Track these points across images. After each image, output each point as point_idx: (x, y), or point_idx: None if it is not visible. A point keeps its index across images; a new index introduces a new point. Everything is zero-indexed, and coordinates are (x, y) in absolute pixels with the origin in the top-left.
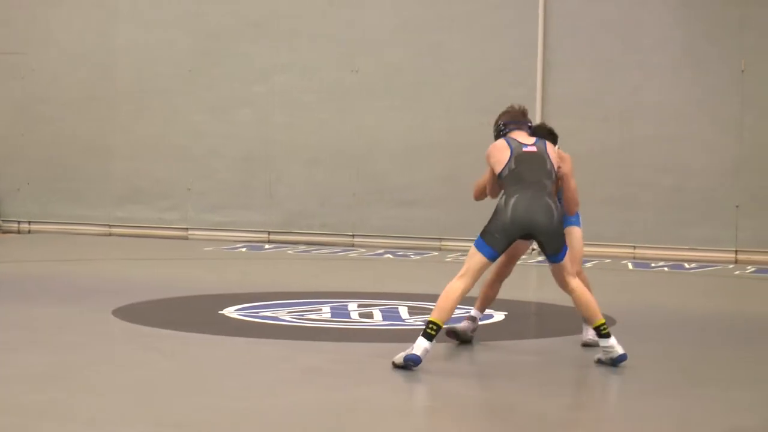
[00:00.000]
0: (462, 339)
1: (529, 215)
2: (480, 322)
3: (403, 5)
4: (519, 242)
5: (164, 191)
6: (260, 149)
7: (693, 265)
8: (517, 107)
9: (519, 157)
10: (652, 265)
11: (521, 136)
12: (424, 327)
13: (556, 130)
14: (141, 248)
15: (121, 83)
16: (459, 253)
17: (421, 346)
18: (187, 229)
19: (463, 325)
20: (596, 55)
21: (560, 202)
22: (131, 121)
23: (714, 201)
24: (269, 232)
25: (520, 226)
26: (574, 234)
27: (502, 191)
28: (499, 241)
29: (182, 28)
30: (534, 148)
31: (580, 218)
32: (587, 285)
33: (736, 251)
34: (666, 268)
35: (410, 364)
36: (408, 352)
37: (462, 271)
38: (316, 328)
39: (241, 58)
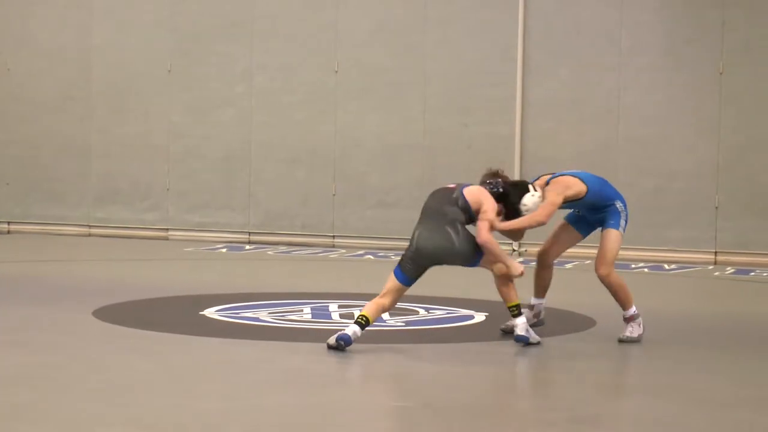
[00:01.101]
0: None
1: (430, 244)
2: (463, 323)
3: (383, 6)
4: (567, 234)
5: (143, 192)
6: (240, 150)
7: (673, 266)
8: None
9: (433, 192)
10: (632, 266)
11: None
12: (356, 317)
13: (536, 132)
14: (121, 249)
15: (98, 83)
16: None
17: (352, 329)
18: (167, 229)
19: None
20: (576, 57)
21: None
22: (109, 121)
23: (693, 202)
24: (249, 233)
25: (424, 255)
26: (610, 236)
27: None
28: (410, 269)
29: (160, 28)
30: (452, 185)
31: (622, 219)
32: (617, 285)
33: (715, 252)
34: (646, 270)
35: (341, 343)
36: (340, 332)
37: (384, 291)
38: (296, 329)
39: (221, 59)
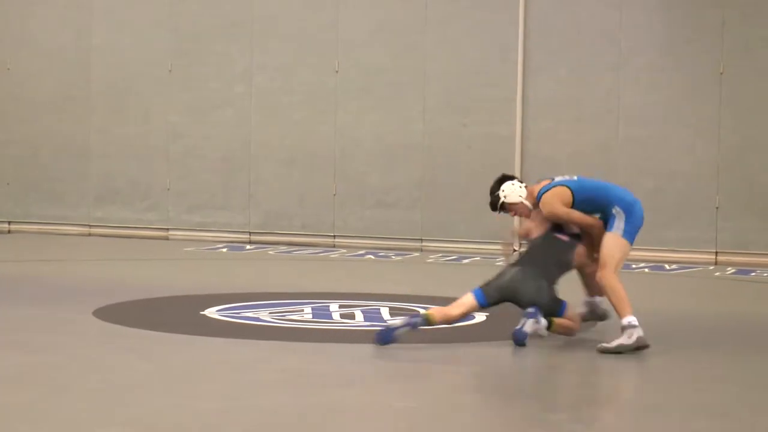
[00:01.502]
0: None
1: (521, 292)
2: (463, 323)
3: (383, 6)
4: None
5: (143, 191)
6: (240, 150)
7: (673, 266)
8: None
9: (547, 238)
10: (633, 266)
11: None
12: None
13: (536, 132)
14: (121, 249)
15: (97, 83)
16: (440, 254)
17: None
18: (167, 229)
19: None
20: (575, 57)
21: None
22: (109, 121)
23: (694, 203)
24: (250, 233)
25: (512, 294)
26: (603, 240)
27: (516, 250)
28: (492, 297)
29: (160, 28)
30: (565, 237)
31: (618, 220)
32: (608, 287)
33: (716, 253)
34: (646, 270)
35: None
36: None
37: (459, 302)
38: (297, 329)
39: (220, 59)
